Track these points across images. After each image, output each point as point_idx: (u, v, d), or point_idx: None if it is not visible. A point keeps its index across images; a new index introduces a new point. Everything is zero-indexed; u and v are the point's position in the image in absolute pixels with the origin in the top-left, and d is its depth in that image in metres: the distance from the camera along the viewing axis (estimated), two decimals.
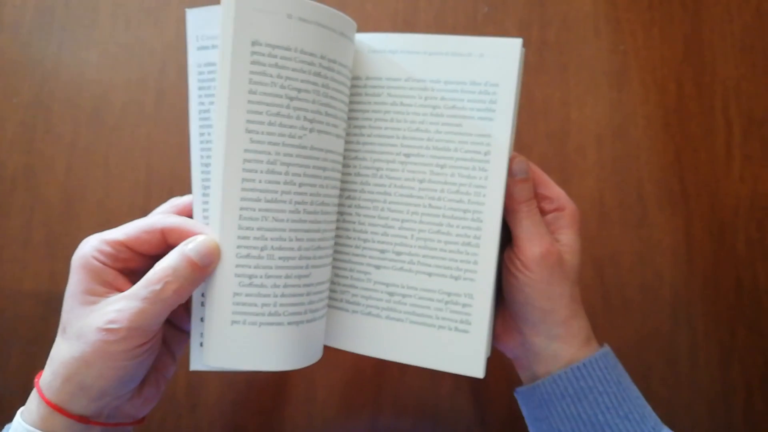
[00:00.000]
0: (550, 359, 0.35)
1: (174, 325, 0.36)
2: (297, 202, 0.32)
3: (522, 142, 0.51)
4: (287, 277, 0.32)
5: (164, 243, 0.32)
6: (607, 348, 0.35)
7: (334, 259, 0.37)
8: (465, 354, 0.34)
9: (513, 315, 0.36)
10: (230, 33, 0.31)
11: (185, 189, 0.52)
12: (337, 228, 0.37)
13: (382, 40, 0.37)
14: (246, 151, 0.31)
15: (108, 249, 0.32)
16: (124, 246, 0.32)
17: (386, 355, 0.36)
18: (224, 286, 0.32)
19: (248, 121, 0.31)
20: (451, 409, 0.49)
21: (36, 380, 0.31)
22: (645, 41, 0.52)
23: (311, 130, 0.33)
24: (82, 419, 0.30)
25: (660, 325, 0.49)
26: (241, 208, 0.31)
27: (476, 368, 0.34)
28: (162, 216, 0.33)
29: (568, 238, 0.36)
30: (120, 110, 0.52)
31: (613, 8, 0.52)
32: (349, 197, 0.37)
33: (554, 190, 0.37)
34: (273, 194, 0.32)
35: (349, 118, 0.37)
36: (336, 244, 0.37)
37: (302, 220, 0.33)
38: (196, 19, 0.33)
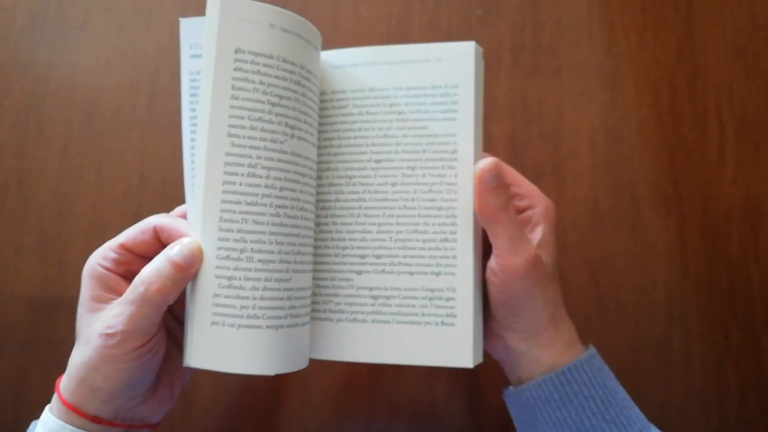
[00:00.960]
0: (532, 364, 0.35)
1: None
2: (277, 206, 0.33)
3: (516, 145, 0.51)
4: (267, 280, 0.32)
5: (158, 243, 0.33)
6: (592, 350, 0.35)
7: (315, 270, 0.37)
8: (453, 346, 0.35)
9: (494, 320, 0.36)
10: (214, 40, 0.32)
11: (178, 192, 0.52)
12: (315, 239, 0.37)
13: (342, 55, 0.38)
14: (227, 154, 0.32)
15: (111, 254, 0.33)
16: (124, 248, 0.33)
17: (376, 358, 0.36)
18: (205, 286, 0.32)
19: (230, 126, 0.32)
20: (446, 411, 0.49)
21: (57, 383, 0.33)
22: (638, 44, 0.52)
23: (292, 136, 0.33)
24: (95, 419, 0.31)
25: (654, 327, 0.49)
26: (222, 210, 0.32)
27: (464, 358, 0.35)
28: (156, 216, 0.34)
29: (541, 236, 0.36)
30: (112, 114, 0.52)
31: (606, 11, 0.52)
32: (324, 207, 0.37)
33: (526, 188, 0.37)
34: (253, 197, 0.32)
35: (319, 132, 0.38)
36: (315, 254, 0.37)
37: (282, 224, 0.33)
38: (189, 27, 0.34)
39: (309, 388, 0.50)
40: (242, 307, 0.32)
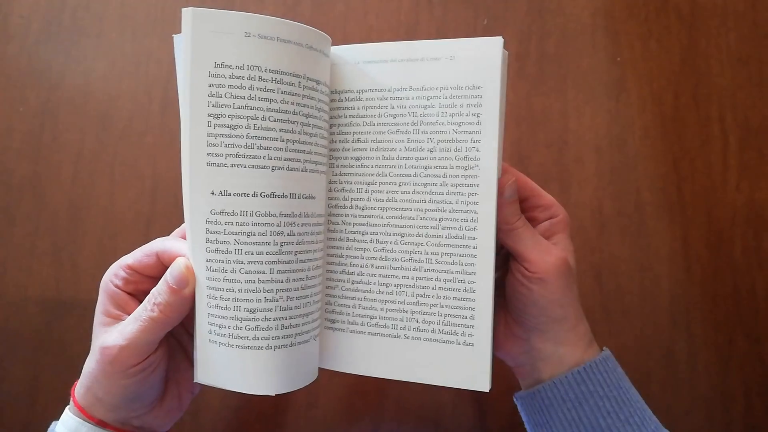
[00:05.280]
0: (556, 364, 0.35)
1: None
2: (265, 225, 0.32)
3: (521, 152, 0.52)
4: (257, 300, 0.31)
5: (162, 264, 0.34)
6: (607, 352, 0.36)
7: (331, 280, 0.36)
8: (470, 368, 0.34)
9: (520, 324, 0.36)
10: (189, 56, 0.30)
11: None
12: (330, 249, 0.36)
13: (356, 51, 0.36)
14: (209, 172, 0.31)
15: (122, 273, 0.34)
16: (132, 269, 0.34)
17: (390, 374, 0.36)
18: (200, 304, 0.32)
19: (210, 144, 0.31)
20: (453, 415, 0.49)
21: (74, 384, 0.34)
22: (642, 52, 0.52)
23: (285, 149, 0.31)
24: (101, 423, 0.33)
25: (658, 333, 0.49)
26: (208, 231, 0.31)
27: (482, 382, 0.34)
28: (160, 240, 0.35)
29: (564, 243, 0.37)
30: (126, 119, 0.53)
31: (611, 20, 0.53)
32: (336, 215, 0.36)
33: (546, 199, 0.38)
34: (240, 217, 0.31)
35: (337, 133, 0.36)
36: (331, 263, 0.36)
37: (273, 243, 0.32)
38: (181, 43, 0.33)
39: (317, 391, 0.50)
40: (235, 327, 0.31)
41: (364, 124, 0.36)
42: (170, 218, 0.52)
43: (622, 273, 0.50)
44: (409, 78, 0.35)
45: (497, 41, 0.33)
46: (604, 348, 0.36)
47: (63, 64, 0.54)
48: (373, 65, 0.35)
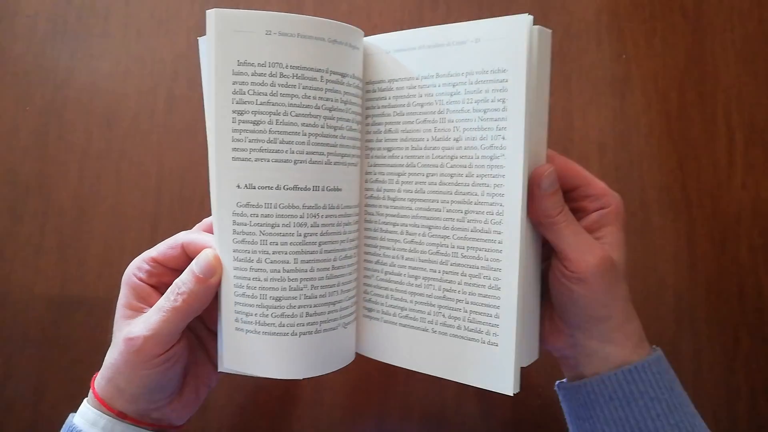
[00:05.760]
0: (601, 361, 0.34)
1: (217, 335, 0.37)
2: (289, 216, 0.32)
3: None
4: (282, 289, 0.32)
5: (186, 257, 0.34)
6: (659, 351, 0.34)
7: (371, 270, 0.37)
8: (494, 368, 0.32)
9: (564, 321, 0.35)
10: (213, 57, 0.31)
11: (195, 196, 0.53)
12: (366, 239, 0.37)
13: (376, 41, 0.35)
14: (235, 166, 0.32)
15: (145, 266, 0.35)
16: (156, 261, 0.35)
17: (415, 365, 0.35)
18: (227, 293, 0.33)
19: (234, 142, 0.32)
20: (457, 413, 0.50)
21: (93, 377, 0.35)
22: (647, 50, 0.52)
23: (307, 142, 0.32)
24: (121, 414, 0.33)
25: (663, 332, 0.49)
26: (235, 223, 0.32)
27: (505, 384, 0.32)
28: (185, 232, 0.36)
29: (613, 237, 0.34)
30: (131, 118, 0.53)
31: (615, 18, 0.53)
32: (372, 205, 0.36)
33: (597, 187, 0.35)
34: (265, 209, 0.32)
35: (371, 123, 0.36)
36: (371, 255, 0.37)
37: (297, 234, 0.33)
38: (205, 44, 0.34)
39: (321, 388, 0.51)
40: (262, 314, 0.32)
41: (395, 114, 0.35)
42: (176, 216, 0.52)
43: (627, 271, 0.50)
44: (437, 65, 0.33)
45: (524, 19, 0.30)
46: (656, 347, 0.35)
47: (69, 64, 0.54)
48: (404, 53, 0.34)
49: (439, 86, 0.33)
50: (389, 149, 0.35)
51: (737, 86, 0.51)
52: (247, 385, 0.51)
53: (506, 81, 0.31)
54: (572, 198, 0.35)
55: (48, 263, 0.52)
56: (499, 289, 0.32)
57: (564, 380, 0.37)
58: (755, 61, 0.51)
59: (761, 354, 0.49)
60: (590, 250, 0.32)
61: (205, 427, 0.50)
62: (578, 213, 0.35)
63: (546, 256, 0.35)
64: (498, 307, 0.32)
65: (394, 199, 0.35)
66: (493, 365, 0.32)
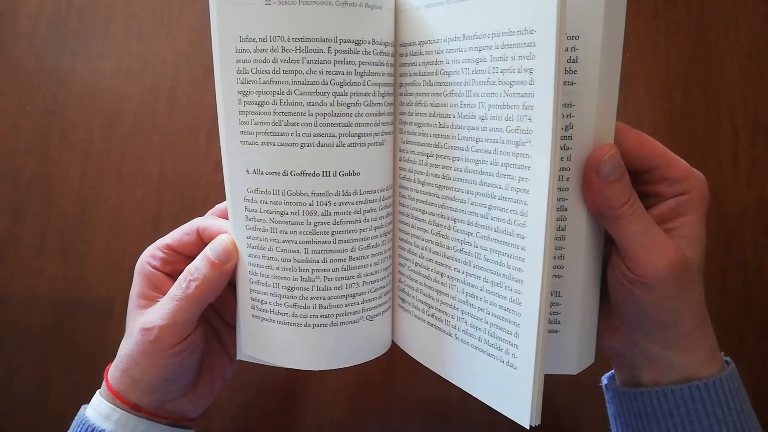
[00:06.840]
0: (665, 369, 0.30)
1: (232, 326, 0.37)
2: (298, 204, 0.31)
3: None
4: (294, 279, 0.31)
5: (202, 243, 0.34)
6: (733, 367, 0.30)
7: (404, 258, 0.34)
8: (511, 393, 0.28)
9: (623, 321, 0.31)
10: (216, 32, 0.30)
11: (197, 196, 0.53)
12: (402, 225, 0.34)
13: None
14: (243, 150, 0.31)
15: (159, 254, 0.34)
16: (171, 249, 0.34)
17: (439, 369, 0.33)
18: (243, 281, 0.33)
19: (241, 125, 0.30)
20: (460, 413, 0.49)
21: (106, 369, 0.35)
22: (651, 48, 0.52)
23: (315, 124, 0.30)
24: (135, 407, 0.33)
25: None
26: (246, 209, 0.31)
27: (521, 413, 0.27)
28: (200, 218, 0.35)
29: (690, 229, 0.28)
30: (133, 119, 0.53)
31: None
32: (403, 188, 0.33)
33: (678, 169, 0.29)
34: (274, 196, 0.31)
35: (404, 93, 0.32)
36: (404, 242, 0.34)
37: (307, 223, 0.31)
38: None
39: (324, 388, 0.50)
40: (275, 303, 0.32)
41: (424, 83, 0.30)
42: (177, 217, 0.52)
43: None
44: (463, 24, 0.27)
45: None
46: (728, 360, 0.31)
47: (70, 64, 0.54)
48: (432, 9, 0.29)
49: (465, 50, 0.27)
50: (419, 125, 0.31)
51: (742, 84, 0.51)
52: (249, 385, 0.51)
53: (533, 45, 0.24)
54: (645, 181, 0.30)
55: (50, 264, 0.52)
56: (520, 304, 0.27)
57: (611, 375, 0.33)
58: (759, 58, 0.51)
59: (766, 353, 0.48)
60: (660, 250, 0.27)
61: (208, 427, 0.50)
62: (651, 198, 0.30)
63: (608, 241, 0.30)
64: (518, 325, 0.27)
65: (423, 183, 0.31)
66: (511, 390, 0.28)
